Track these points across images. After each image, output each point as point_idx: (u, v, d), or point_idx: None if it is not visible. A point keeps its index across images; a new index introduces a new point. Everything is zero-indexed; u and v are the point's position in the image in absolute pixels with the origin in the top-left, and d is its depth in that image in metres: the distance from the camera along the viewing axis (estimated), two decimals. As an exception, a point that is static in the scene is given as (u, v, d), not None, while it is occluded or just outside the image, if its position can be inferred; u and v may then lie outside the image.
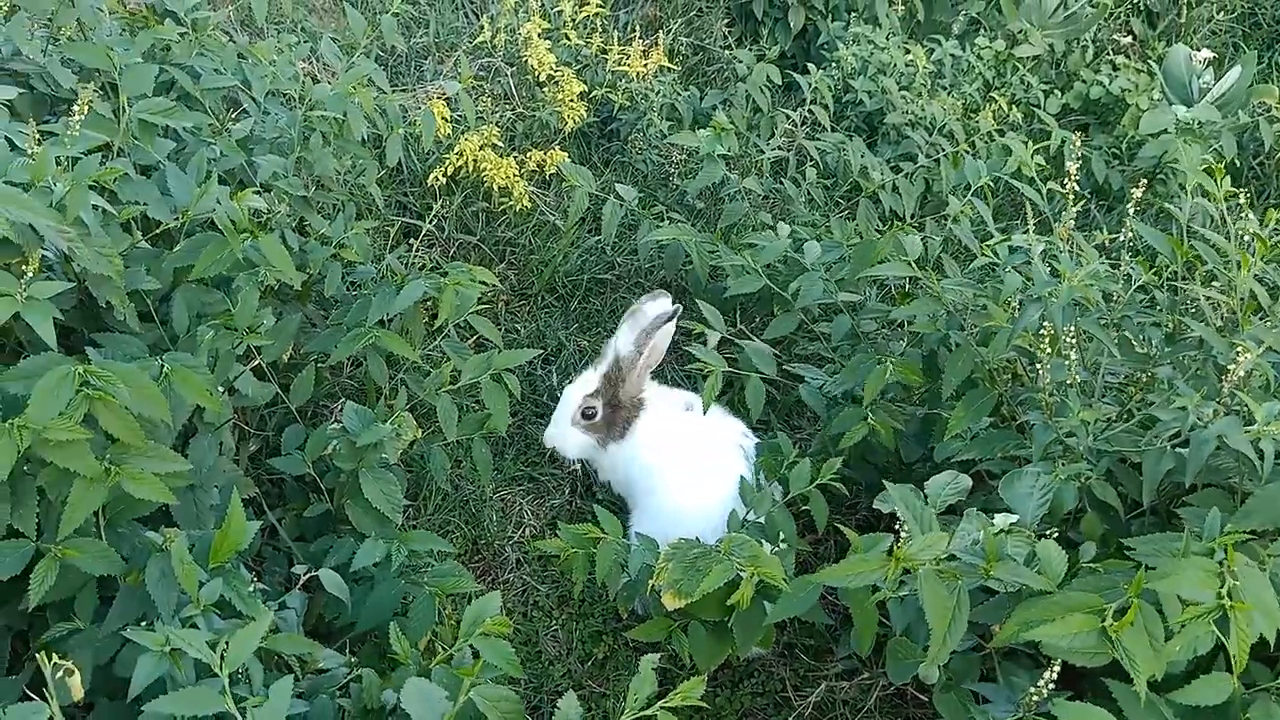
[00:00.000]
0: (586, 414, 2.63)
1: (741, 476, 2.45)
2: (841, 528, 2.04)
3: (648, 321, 2.61)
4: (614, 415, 2.64)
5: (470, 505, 2.77)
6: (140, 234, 2.22)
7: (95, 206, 2.01)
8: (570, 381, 2.74)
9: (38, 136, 2.09)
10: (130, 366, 1.74)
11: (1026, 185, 2.52)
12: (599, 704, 2.45)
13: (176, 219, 2.24)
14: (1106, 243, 2.99)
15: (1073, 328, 1.93)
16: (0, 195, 1.66)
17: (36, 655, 1.37)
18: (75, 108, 2.12)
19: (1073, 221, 2.22)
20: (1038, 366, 1.97)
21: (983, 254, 2.23)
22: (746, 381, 2.63)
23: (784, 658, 2.59)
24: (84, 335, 2.15)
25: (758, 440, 2.67)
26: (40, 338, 1.81)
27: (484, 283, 2.44)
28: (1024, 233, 2.16)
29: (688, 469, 2.58)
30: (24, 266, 1.82)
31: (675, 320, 2.62)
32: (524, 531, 2.76)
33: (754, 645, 2.21)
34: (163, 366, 1.88)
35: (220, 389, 2.17)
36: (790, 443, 2.55)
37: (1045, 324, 1.94)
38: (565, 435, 2.66)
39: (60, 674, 1.43)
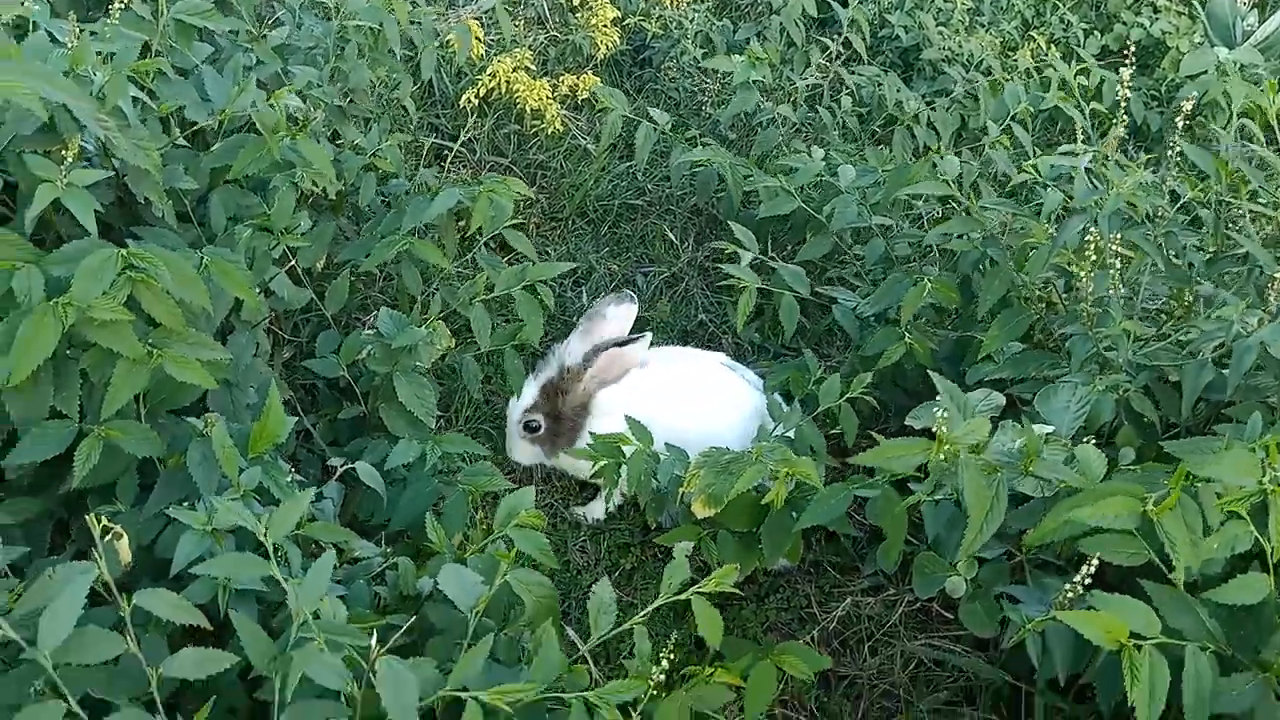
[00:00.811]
0: (529, 426, 2.52)
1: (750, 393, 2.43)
2: (872, 433, 2.03)
3: (605, 328, 2.47)
4: (557, 425, 2.50)
5: (501, 420, 2.78)
6: (181, 136, 2.22)
7: (134, 100, 2.01)
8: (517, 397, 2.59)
9: (77, 31, 2.08)
10: (172, 253, 1.75)
11: (1070, 107, 2.48)
12: (627, 614, 2.46)
13: (213, 120, 2.23)
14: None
15: (1118, 235, 1.91)
16: (36, 73, 1.65)
17: (86, 518, 1.38)
18: (114, 6, 2.12)
19: (1121, 130, 2.18)
20: (1080, 276, 1.95)
21: (1024, 171, 2.20)
22: (780, 300, 2.62)
23: (810, 574, 2.60)
24: (122, 233, 2.16)
25: (760, 372, 2.65)
26: (81, 227, 1.82)
27: (518, 195, 2.43)
28: (1067, 151, 2.13)
29: (680, 408, 2.49)
30: (64, 153, 1.83)
31: (634, 345, 2.43)
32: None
33: (781, 556, 2.22)
34: (202, 258, 1.89)
35: (256, 289, 2.18)
36: (816, 361, 2.55)
37: (1091, 231, 1.92)
38: (515, 448, 2.58)
39: (109, 537, 1.45)
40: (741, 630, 2.49)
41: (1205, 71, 4.35)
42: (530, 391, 2.51)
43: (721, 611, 2.51)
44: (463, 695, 1.35)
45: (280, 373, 2.48)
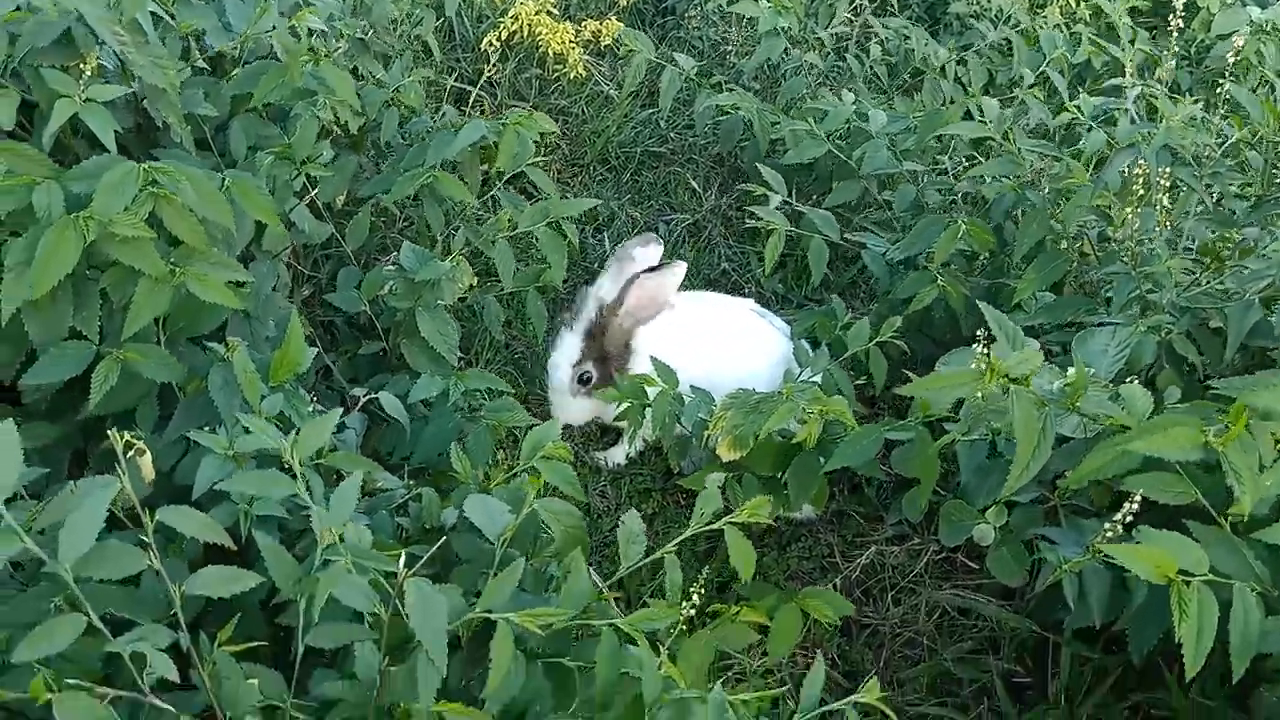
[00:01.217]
0: (583, 380, 2.42)
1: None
2: (908, 371, 1.99)
3: (634, 270, 2.38)
4: (606, 369, 2.42)
5: (522, 361, 2.75)
6: (201, 59, 2.17)
7: (154, 19, 1.96)
8: (551, 348, 2.50)
9: (95, -52, 2.03)
10: (194, 170, 1.70)
11: (1112, 46, 2.41)
12: (649, 554, 2.44)
13: (234, 46, 2.18)
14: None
15: (1168, 170, 1.85)
16: (57, -22, 1.61)
17: (110, 433, 1.35)
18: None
19: (1172, 64, 2.12)
20: (1126, 213, 1.90)
21: (1067, 110, 2.14)
22: (808, 244, 2.57)
23: (833, 524, 2.56)
24: (141, 160, 2.12)
25: (786, 320, 2.60)
26: (100, 147, 1.78)
27: (544, 131, 2.38)
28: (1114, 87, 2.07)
29: (712, 351, 2.44)
30: (82, 67, 1.78)
31: (668, 271, 2.36)
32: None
33: (806, 501, 2.18)
34: (224, 179, 1.84)
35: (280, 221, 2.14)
36: (843, 305, 2.50)
37: (1140, 163, 1.86)
38: (569, 406, 2.45)
39: (131, 454, 1.41)
40: (763, 578, 2.45)
41: (1237, 31, 4.27)
42: (573, 343, 2.41)
43: (745, 555, 2.51)
44: (493, 616, 1.31)
45: (300, 310, 2.44)
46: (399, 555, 1.38)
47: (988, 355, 1.86)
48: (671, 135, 3.44)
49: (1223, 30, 4.30)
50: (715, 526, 1.60)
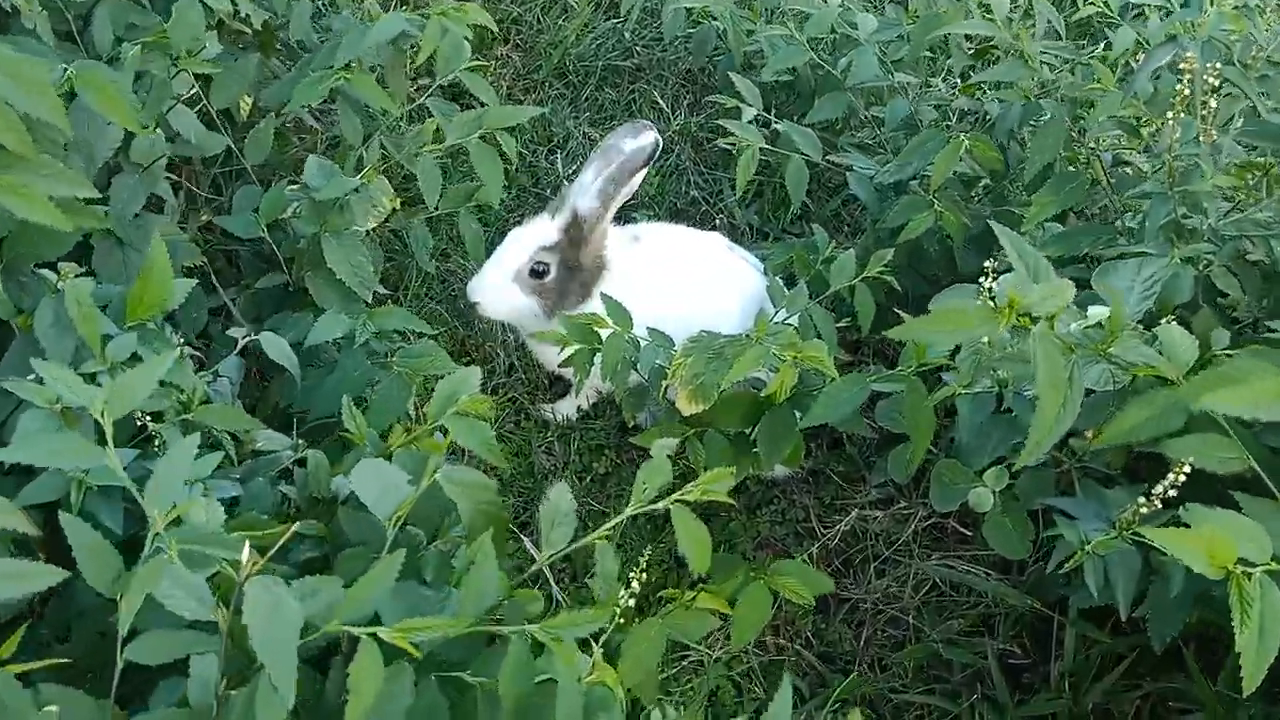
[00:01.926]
0: (536, 270, 2.02)
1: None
2: (899, 311, 1.68)
3: (624, 161, 2.01)
4: (569, 279, 2.05)
5: (459, 300, 2.42)
6: (53, -71, 1.80)
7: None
8: (560, 189, 2.19)
9: None
10: (16, 54, 1.35)
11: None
12: (598, 523, 2.13)
13: (101, -83, 1.82)
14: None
15: (1216, 67, 1.53)
16: None
17: None
18: None
19: (1223, -63, 1.79)
20: (1165, 119, 1.57)
21: (1090, 4, 1.80)
22: (786, 165, 2.23)
23: (808, 484, 2.27)
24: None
25: (760, 255, 2.28)
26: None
27: (478, 25, 2.03)
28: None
29: (683, 290, 2.11)
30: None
31: (653, 160, 2.03)
32: (519, 334, 2.40)
33: (780, 461, 1.88)
34: (65, 71, 1.49)
35: (153, 126, 1.79)
36: (826, 236, 2.18)
37: (1186, 57, 1.53)
38: (499, 290, 2.03)
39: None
40: (729, 546, 2.16)
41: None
42: (548, 228, 2.03)
43: (706, 523, 2.20)
44: (355, 630, 1.00)
45: (196, 237, 2.11)
46: (244, 541, 1.06)
47: (992, 291, 1.55)
48: (637, 48, 3.08)
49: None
50: (660, 506, 1.29)
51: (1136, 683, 1.93)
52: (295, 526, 1.20)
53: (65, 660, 1.08)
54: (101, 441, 1.13)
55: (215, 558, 1.12)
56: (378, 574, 1.05)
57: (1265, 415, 1.05)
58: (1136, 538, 1.43)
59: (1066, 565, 1.45)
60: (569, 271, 2.05)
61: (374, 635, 0.99)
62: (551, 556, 1.26)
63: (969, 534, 2.17)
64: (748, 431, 1.94)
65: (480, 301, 2.07)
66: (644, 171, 2.02)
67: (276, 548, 1.12)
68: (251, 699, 0.98)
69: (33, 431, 1.27)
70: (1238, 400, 1.05)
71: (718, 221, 2.74)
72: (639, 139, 2.04)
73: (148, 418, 1.43)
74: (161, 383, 1.48)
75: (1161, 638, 1.65)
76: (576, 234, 2.03)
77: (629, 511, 1.27)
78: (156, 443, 1.43)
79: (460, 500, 1.28)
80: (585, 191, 2.02)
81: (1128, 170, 2.24)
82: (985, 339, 1.47)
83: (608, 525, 1.30)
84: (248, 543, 1.05)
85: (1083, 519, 1.50)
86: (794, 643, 2.06)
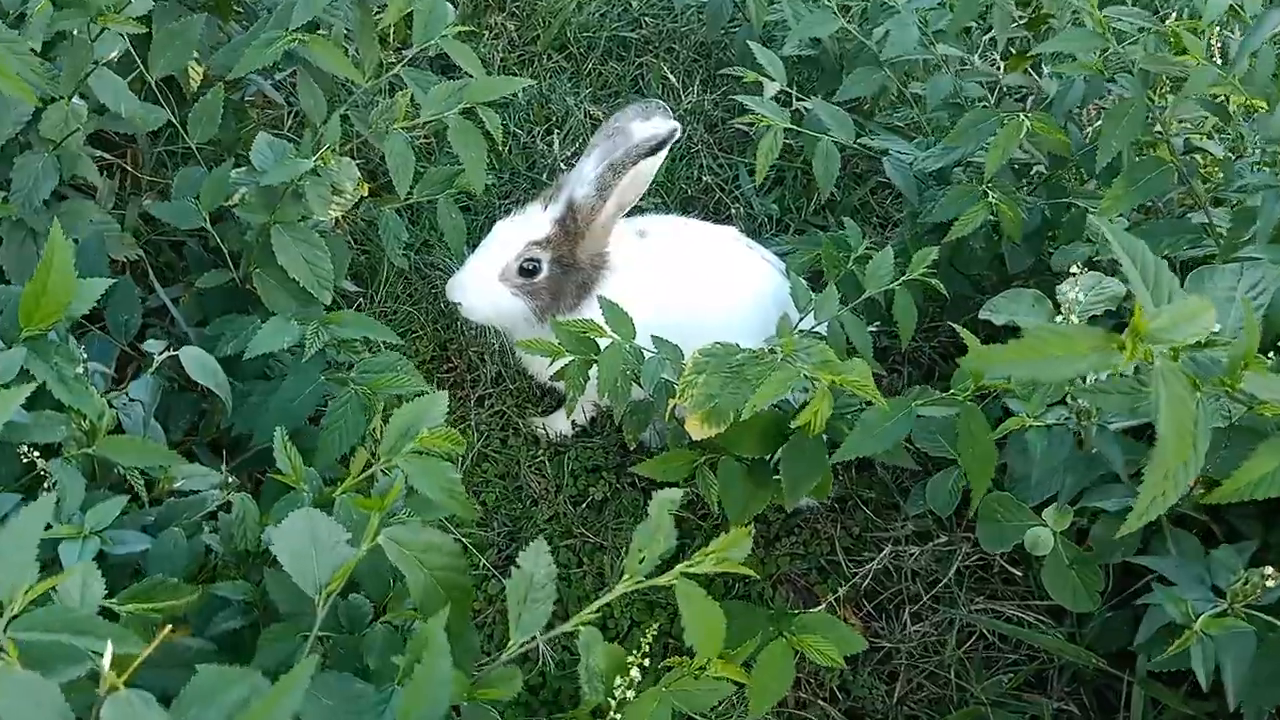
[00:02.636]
0: (526, 269, 1.79)
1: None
2: (956, 326, 1.41)
3: (631, 147, 1.75)
4: (563, 278, 1.81)
5: (439, 299, 2.14)
6: None
7: None
8: (556, 173, 1.91)
9: None
10: None
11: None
12: (594, 558, 1.87)
13: None
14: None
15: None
16: None
17: None
18: None
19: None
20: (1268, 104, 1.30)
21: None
22: (813, 148, 1.95)
23: (835, 513, 2.00)
24: None
25: (780, 252, 2.01)
26: None
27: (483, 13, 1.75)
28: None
29: (693, 294, 1.84)
30: None
31: (666, 149, 1.75)
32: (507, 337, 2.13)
33: (806, 495, 1.61)
34: (-56, 26, 1.22)
35: (67, 97, 1.52)
36: (859, 230, 1.90)
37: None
38: (483, 289, 1.80)
39: None
40: (744, 583, 1.89)
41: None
42: (540, 220, 1.79)
43: (719, 558, 1.94)
44: (246, 783, 0.74)
45: (136, 227, 1.84)
46: (108, 637, 0.80)
47: (1078, 301, 1.28)
48: (646, 18, 2.80)
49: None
50: (662, 582, 1.02)
51: (1215, 754, 1.66)
52: (207, 589, 0.93)
53: None
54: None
55: (85, 650, 0.86)
56: (286, 685, 0.78)
57: None
58: (1250, 613, 1.16)
59: (1170, 651, 1.18)
60: (563, 270, 1.79)
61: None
62: (519, 647, 0.99)
63: (1017, 574, 1.90)
64: (768, 458, 1.68)
65: (461, 302, 1.81)
66: (655, 161, 1.75)
67: (160, 639, 0.85)
68: None
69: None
70: None
71: (733, 211, 2.46)
72: (649, 122, 1.78)
73: (35, 453, 1.17)
74: (61, 407, 1.23)
75: (1259, 712, 1.38)
76: (572, 227, 1.77)
77: (621, 589, 1.01)
78: (47, 484, 1.17)
79: (408, 569, 1.01)
80: (583, 180, 1.75)
81: (1197, 159, 1.96)
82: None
83: (592, 607, 1.03)
84: (109, 646, 0.78)
85: (1182, 586, 1.22)
86: (818, 697, 1.80)
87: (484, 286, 1.79)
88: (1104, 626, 1.75)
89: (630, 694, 1.06)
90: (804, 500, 1.95)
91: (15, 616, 0.84)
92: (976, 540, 1.68)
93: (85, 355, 1.27)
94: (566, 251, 1.79)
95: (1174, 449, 0.89)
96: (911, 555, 1.91)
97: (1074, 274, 1.17)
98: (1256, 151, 1.54)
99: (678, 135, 1.76)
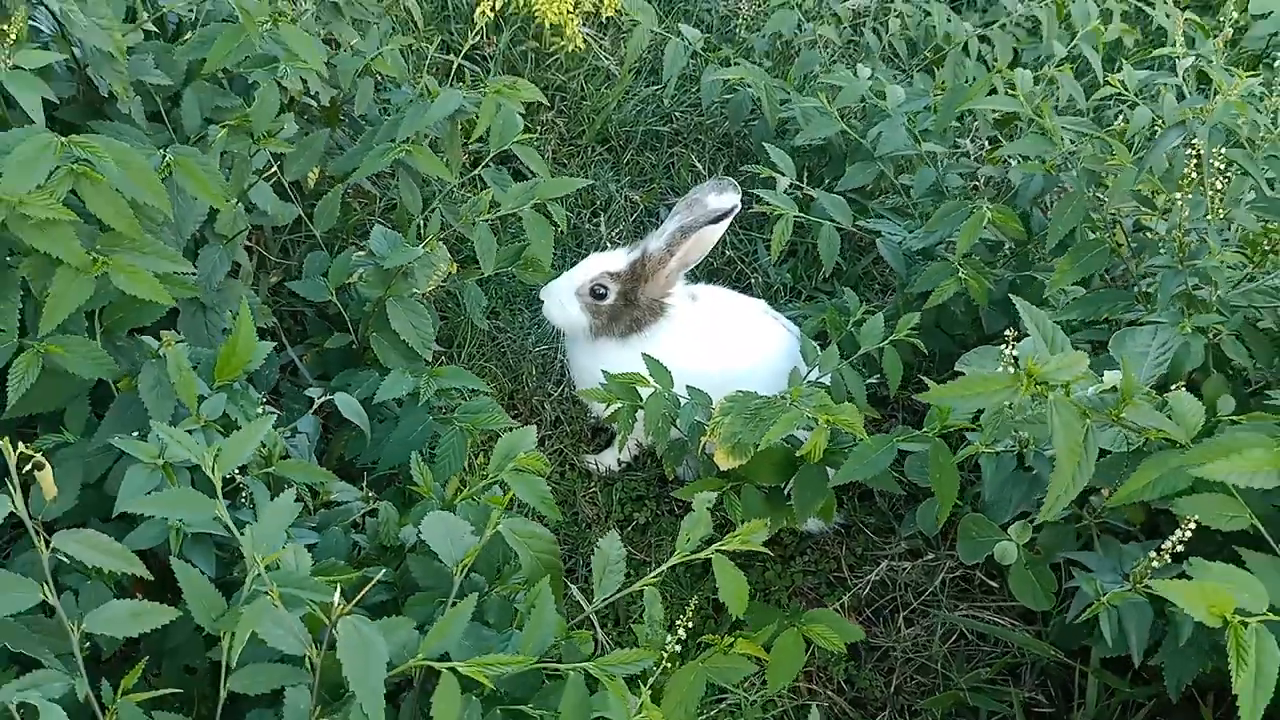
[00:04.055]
0: (596, 291, 2.19)
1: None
2: (925, 379, 1.79)
3: (705, 215, 2.16)
4: (624, 310, 2.20)
5: (509, 357, 2.56)
6: (149, 20, 1.98)
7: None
8: (602, 249, 2.36)
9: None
10: (124, 144, 1.51)
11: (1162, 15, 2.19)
12: (639, 571, 2.25)
13: (190, 10, 2.00)
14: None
15: (1221, 150, 1.64)
16: (-30, -78, 1.42)
17: (0, 444, 1.16)
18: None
19: (1229, 30, 1.91)
20: (1176, 199, 1.69)
21: (1109, 84, 1.93)
22: (818, 230, 2.36)
23: (841, 536, 2.37)
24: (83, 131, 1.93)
25: (793, 317, 2.41)
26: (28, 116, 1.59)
27: (529, 100, 2.18)
28: (1157, 61, 1.86)
29: (733, 350, 2.25)
30: (7, 28, 1.59)
31: (729, 219, 2.17)
32: (564, 388, 2.54)
33: (813, 515, 1.99)
34: (164, 156, 1.65)
35: (235, 201, 1.95)
36: (857, 299, 2.30)
37: (1195, 143, 1.65)
38: (562, 299, 2.21)
39: (28, 467, 1.22)
40: (765, 594, 2.27)
41: (1272, 12, 4.03)
42: (620, 258, 2.21)
43: (744, 573, 2.31)
44: (437, 665, 1.13)
45: (265, 299, 2.26)
46: (337, 584, 1.19)
47: (1015, 357, 1.66)
48: (676, 114, 3.24)
49: (1260, 10, 4.06)
50: (702, 556, 1.40)
51: (1157, 731, 2.01)
52: (380, 574, 1.32)
53: (176, 690, 1.21)
54: (207, 494, 1.26)
55: (306, 599, 1.25)
56: (454, 615, 1.17)
57: (1259, 484, 1.16)
58: (1149, 590, 1.53)
59: (1083, 615, 1.55)
60: (625, 303, 2.20)
61: (453, 670, 1.11)
62: (604, 601, 1.38)
63: (995, 585, 2.26)
64: (782, 486, 2.06)
65: (546, 302, 2.24)
66: (720, 228, 2.17)
67: (363, 594, 1.24)
68: (343, 726, 1.10)
69: (138, 485, 1.41)
70: (1234, 469, 1.16)
71: (753, 280, 2.87)
72: (721, 196, 2.20)
73: (236, 470, 1.57)
74: (244, 438, 1.63)
75: (1176, 686, 1.73)
76: (640, 270, 2.18)
77: (674, 560, 1.39)
78: (244, 494, 1.57)
79: (521, 550, 1.40)
80: (660, 235, 2.18)
81: (1149, 234, 2.35)
82: (1009, 403, 1.58)
83: (655, 573, 1.42)
84: (339, 587, 1.17)
85: (1099, 572, 1.60)
86: (827, 688, 2.15)
87: (562, 296, 2.21)
88: (1063, 626, 2.10)
89: (678, 647, 1.42)
90: (815, 525, 2.34)
91: (263, 574, 1.23)
92: (959, 557, 2.05)
93: (263, 400, 1.68)
94: (631, 289, 2.19)
95: (1067, 460, 1.27)
96: (904, 569, 2.28)
97: (1008, 336, 1.54)
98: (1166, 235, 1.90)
99: (738, 209, 2.19)
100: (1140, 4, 3.23)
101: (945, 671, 2.15)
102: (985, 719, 2.08)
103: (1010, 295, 1.50)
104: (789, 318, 2.40)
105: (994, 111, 2.55)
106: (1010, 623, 2.18)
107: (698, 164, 3.11)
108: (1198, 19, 3.03)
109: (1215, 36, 2.00)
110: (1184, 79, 1.84)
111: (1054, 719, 2.11)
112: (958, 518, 1.92)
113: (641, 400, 2.02)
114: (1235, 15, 4.26)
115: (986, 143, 3.01)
